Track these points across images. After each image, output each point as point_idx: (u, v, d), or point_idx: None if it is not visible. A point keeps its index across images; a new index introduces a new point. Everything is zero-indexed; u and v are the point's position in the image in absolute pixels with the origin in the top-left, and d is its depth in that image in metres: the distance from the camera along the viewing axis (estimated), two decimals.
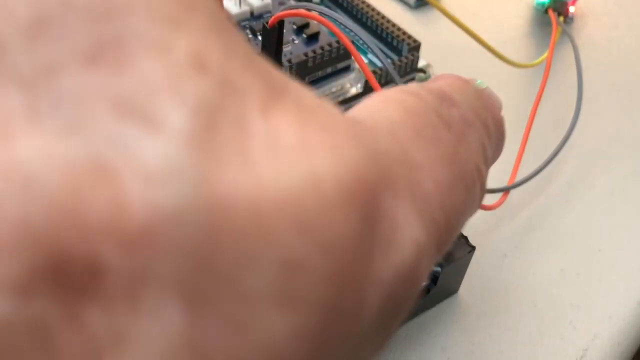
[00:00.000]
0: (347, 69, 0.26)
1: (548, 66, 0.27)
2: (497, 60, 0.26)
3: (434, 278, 0.21)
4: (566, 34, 0.31)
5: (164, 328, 0.07)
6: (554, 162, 0.26)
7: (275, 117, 0.08)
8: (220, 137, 0.07)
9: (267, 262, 0.07)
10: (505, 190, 0.23)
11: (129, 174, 0.06)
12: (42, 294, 0.06)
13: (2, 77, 0.07)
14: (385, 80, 0.26)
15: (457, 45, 0.32)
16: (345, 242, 0.08)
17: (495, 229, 0.25)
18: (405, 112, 0.10)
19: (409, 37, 0.28)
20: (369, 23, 0.29)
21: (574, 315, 0.22)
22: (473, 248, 0.21)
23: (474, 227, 0.20)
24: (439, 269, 0.20)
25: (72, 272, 0.06)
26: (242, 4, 0.27)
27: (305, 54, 0.25)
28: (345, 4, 0.30)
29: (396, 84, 0.18)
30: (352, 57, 0.24)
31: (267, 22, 0.22)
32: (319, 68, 0.25)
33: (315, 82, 0.26)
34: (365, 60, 0.28)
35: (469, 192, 0.11)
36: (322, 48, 0.25)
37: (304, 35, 0.26)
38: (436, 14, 0.33)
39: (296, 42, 0.26)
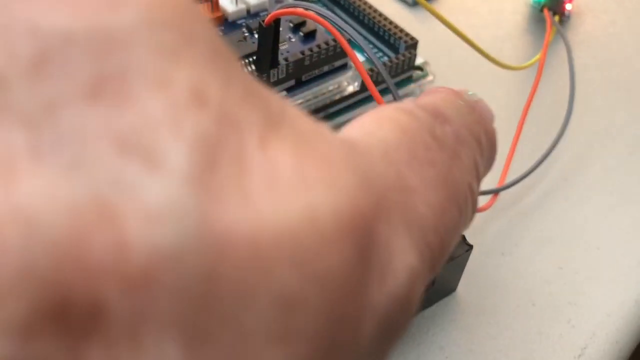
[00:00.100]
0: (344, 67, 0.26)
1: (540, 68, 0.27)
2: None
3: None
4: (560, 35, 0.31)
5: None
6: (550, 160, 0.26)
7: (272, 149, 0.08)
8: (220, 173, 0.07)
9: (264, 299, 0.07)
10: (495, 192, 0.23)
11: (130, 214, 0.07)
12: (44, 335, 0.06)
13: (5, 114, 0.07)
14: (382, 79, 0.26)
15: (455, 43, 0.32)
16: (342, 275, 0.08)
17: (492, 227, 0.25)
18: (400, 133, 0.10)
19: (406, 34, 0.28)
20: (366, 21, 0.29)
21: (572, 313, 0.22)
22: (471, 247, 0.21)
23: (472, 225, 0.20)
24: None
25: (74, 313, 0.06)
26: (238, 2, 0.27)
27: (302, 52, 0.25)
28: (342, 2, 0.30)
29: (387, 84, 0.17)
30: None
31: (263, 21, 0.22)
32: (316, 66, 0.25)
33: (312, 81, 0.26)
34: (362, 58, 0.28)
35: (461, 211, 0.11)
36: (318, 46, 0.25)
37: (301, 34, 0.26)
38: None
39: (293, 40, 0.26)
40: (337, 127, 0.27)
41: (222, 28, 0.27)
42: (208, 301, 0.07)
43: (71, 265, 0.06)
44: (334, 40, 0.25)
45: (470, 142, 0.11)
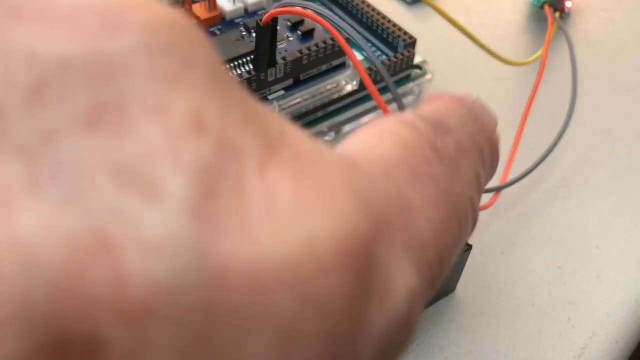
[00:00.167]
0: (342, 66, 0.26)
1: (543, 64, 0.27)
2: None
3: None
4: (562, 31, 0.31)
5: None
6: (550, 159, 0.26)
7: (272, 175, 0.08)
8: (219, 203, 0.07)
9: (264, 330, 0.07)
10: (497, 191, 0.23)
11: (129, 247, 0.06)
12: None
13: (2, 145, 0.07)
14: (381, 78, 0.26)
15: (454, 41, 0.31)
16: (341, 303, 0.08)
17: (491, 226, 0.25)
18: (400, 148, 0.10)
19: (405, 33, 0.28)
20: (364, 19, 0.29)
21: (572, 313, 0.22)
22: (470, 246, 0.21)
23: None
24: None
25: (73, 348, 0.06)
26: (236, 1, 0.27)
27: (300, 52, 0.25)
28: (341, 0, 0.30)
29: (387, 83, 0.17)
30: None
31: (261, 20, 0.22)
32: (314, 65, 0.25)
33: (310, 80, 0.25)
34: (361, 57, 0.28)
35: (462, 226, 0.11)
36: (317, 45, 0.25)
37: (299, 33, 0.26)
38: (432, 10, 0.33)
39: (291, 39, 0.26)
40: (336, 126, 0.27)
41: (220, 27, 0.27)
42: (207, 333, 0.07)
43: (70, 299, 0.06)
44: (333, 39, 0.25)
45: (472, 153, 0.11)
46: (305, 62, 0.25)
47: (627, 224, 0.25)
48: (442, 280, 0.10)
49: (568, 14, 0.35)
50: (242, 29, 0.26)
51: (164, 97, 0.07)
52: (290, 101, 0.25)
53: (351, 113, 0.27)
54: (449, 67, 0.31)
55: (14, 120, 0.07)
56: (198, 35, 0.08)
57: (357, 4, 0.29)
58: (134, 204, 0.07)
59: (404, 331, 0.09)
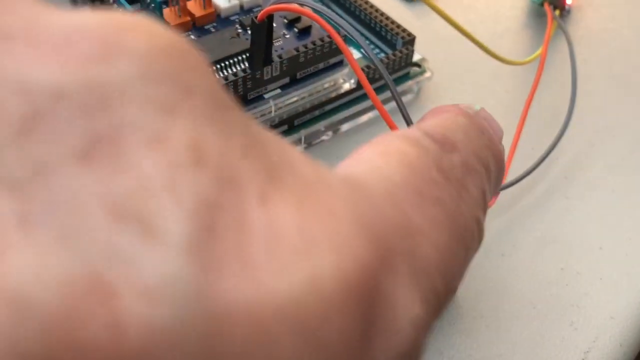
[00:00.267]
0: (339, 64, 0.26)
1: (542, 62, 0.27)
2: None
3: None
4: (561, 29, 0.30)
5: None
6: (551, 158, 0.26)
7: (273, 207, 0.07)
8: (220, 241, 0.07)
9: None
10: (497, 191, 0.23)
11: (126, 291, 0.06)
12: None
13: None
14: (379, 76, 0.26)
15: (453, 39, 0.31)
16: (346, 343, 0.08)
17: (492, 227, 0.24)
18: (406, 170, 0.10)
19: (404, 30, 0.27)
20: (362, 16, 0.29)
21: (574, 316, 0.22)
22: None
23: None
24: None
25: None
26: None
27: (297, 49, 0.24)
28: None
29: (386, 80, 0.17)
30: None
31: (256, 17, 0.22)
32: (311, 63, 0.25)
33: (307, 78, 0.25)
34: (359, 55, 0.27)
35: (468, 249, 0.11)
36: (314, 43, 0.24)
37: (296, 30, 0.26)
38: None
39: (287, 36, 0.25)
40: (333, 125, 0.26)
41: (215, 24, 0.26)
42: None
43: (64, 347, 0.06)
44: (330, 36, 0.24)
45: (478, 170, 0.11)
46: (301, 59, 0.24)
47: (631, 223, 0.25)
48: (448, 306, 0.10)
49: (568, 11, 0.34)
50: (237, 26, 0.26)
51: (162, 128, 0.07)
52: (287, 100, 0.24)
53: (349, 112, 0.26)
54: (448, 64, 0.30)
55: (5, 153, 0.06)
56: (196, 59, 0.08)
57: (355, 1, 0.29)
58: (131, 243, 0.06)
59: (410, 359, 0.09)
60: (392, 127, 0.18)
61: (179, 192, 0.07)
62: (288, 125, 0.25)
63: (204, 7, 0.26)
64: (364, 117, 0.27)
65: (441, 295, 0.10)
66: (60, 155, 0.06)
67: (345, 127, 0.27)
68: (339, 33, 0.20)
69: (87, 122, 0.07)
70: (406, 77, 0.28)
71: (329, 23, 0.20)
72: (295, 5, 0.20)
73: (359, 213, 0.08)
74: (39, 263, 0.06)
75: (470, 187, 0.11)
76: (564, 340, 0.21)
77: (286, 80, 0.25)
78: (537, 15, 0.34)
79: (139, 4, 0.26)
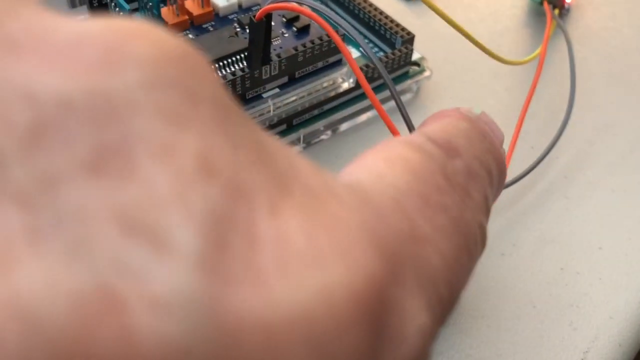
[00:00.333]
0: (338, 63, 0.26)
1: (541, 61, 0.27)
2: None
3: None
4: (561, 28, 0.30)
5: None
6: (550, 157, 0.26)
7: (283, 219, 0.07)
8: (230, 253, 0.07)
9: None
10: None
11: (136, 304, 0.06)
12: None
13: (0, 193, 0.06)
14: (378, 75, 0.26)
15: (452, 37, 0.31)
16: (356, 351, 0.08)
17: (491, 227, 0.24)
18: (411, 177, 0.10)
19: (403, 29, 0.27)
20: (361, 15, 0.28)
21: (574, 315, 0.22)
22: None
23: None
24: None
25: None
26: None
27: (295, 48, 0.24)
28: None
29: (385, 80, 0.17)
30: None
31: (254, 16, 0.22)
32: (310, 62, 0.25)
33: (305, 77, 0.25)
34: (358, 53, 0.27)
35: (472, 256, 0.11)
36: (312, 42, 0.24)
37: (294, 29, 0.25)
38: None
39: (286, 35, 0.25)
40: (332, 124, 0.26)
41: (213, 23, 0.26)
42: None
43: None
44: (328, 35, 0.24)
45: (481, 175, 0.11)
46: (300, 58, 0.24)
47: (630, 223, 0.25)
48: (452, 313, 0.10)
49: (568, 10, 0.34)
50: (235, 25, 0.26)
51: (171, 138, 0.07)
52: (285, 99, 0.24)
53: (348, 111, 0.26)
54: (448, 63, 0.30)
55: (12, 165, 0.06)
56: (203, 66, 0.08)
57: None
58: (142, 256, 0.06)
59: None
60: (391, 126, 0.18)
61: (189, 204, 0.07)
62: (287, 124, 0.25)
63: (202, 6, 0.26)
64: (363, 117, 0.27)
65: (446, 303, 0.10)
66: (69, 167, 0.06)
67: (344, 126, 0.27)
68: (337, 32, 0.20)
69: (94, 132, 0.07)
70: (405, 76, 0.28)
71: (328, 22, 0.20)
72: (293, 4, 0.20)
73: (367, 223, 0.08)
74: (49, 277, 0.06)
75: (473, 192, 0.11)
76: (564, 340, 0.21)
77: (285, 79, 0.24)
78: (536, 14, 0.34)
79: (136, 3, 0.26)
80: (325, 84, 0.25)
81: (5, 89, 0.06)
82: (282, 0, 0.20)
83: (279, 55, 0.24)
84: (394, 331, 0.08)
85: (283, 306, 0.07)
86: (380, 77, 0.26)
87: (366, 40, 0.28)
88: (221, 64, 0.24)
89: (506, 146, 0.25)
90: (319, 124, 0.26)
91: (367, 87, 0.18)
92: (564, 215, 0.25)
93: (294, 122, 0.25)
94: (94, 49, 0.07)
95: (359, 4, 0.28)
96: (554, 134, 0.26)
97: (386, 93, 0.27)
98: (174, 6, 0.25)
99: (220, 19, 0.26)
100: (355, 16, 0.29)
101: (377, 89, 0.26)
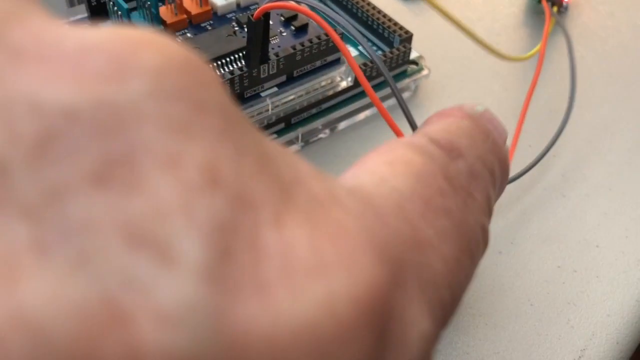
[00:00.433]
0: (337, 61, 0.26)
1: (541, 59, 0.27)
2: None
3: None
4: (559, 26, 0.30)
5: None
6: (549, 156, 0.26)
7: (288, 229, 0.07)
8: (235, 265, 0.07)
9: None
10: None
11: (143, 317, 0.06)
12: None
13: (6, 205, 0.06)
14: (377, 74, 0.26)
15: (450, 36, 0.31)
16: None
17: (490, 225, 0.24)
18: (413, 180, 0.10)
19: (401, 28, 0.27)
20: (359, 14, 0.29)
21: (571, 313, 0.22)
22: None
23: None
24: None
25: None
26: None
27: (294, 47, 0.24)
28: None
29: (385, 78, 0.17)
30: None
31: (252, 15, 0.22)
32: (308, 61, 0.25)
33: (304, 76, 0.25)
34: (357, 52, 0.27)
35: (474, 259, 0.11)
36: (310, 41, 0.24)
37: (292, 27, 0.25)
38: (428, 4, 0.33)
39: (284, 34, 0.25)
40: (331, 123, 0.26)
41: (211, 22, 0.26)
42: None
43: None
44: (327, 34, 0.24)
45: (483, 176, 0.11)
46: (298, 57, 0.24)
47: (627, 221, 0.25)
48: (454, 316, 0.10)
49: (566, 7, 0.34)
50: (233, 24, 0.26)
51: (177, 148, 0.07)
52: (284, 98, 0.24)
53: (346, 110, 0.26)
54: (446, 62, 0.30)
55: (18, 177, 0.06)
56: (209, 75, 0.08)
57: None
58: (147, 269, 0.06)
59: None
60: (392, 124, 0.18)
61: (194, 215, 0.07)
62: (285, 123, 0.25)
63: (201, 5, 0.26)
64: (361, 115, 0.27)
65: (448, 306, 0.10)
66: (75, 179, 0.06)
67: (342, 125, 0.27)
68: (336, 31, 0.20)
69: (101, 143, 0.07)
70: (403, 74, 0.28)
71: (326, 21, 0.20)
72: (291, 3, 0.20)
73: (370, 229, 0.08)
74: (54, 290, 0.06)
75: (475, 193, 0.11)
76: (561, 338, 0.21)
77: (283, 78, 0.25)
78: (535, 12, 0.34)
79: (134, 1, 0.26)
80: (323, 83, 0.25)
81: (11, 99, 0.06)
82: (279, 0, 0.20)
83: (277, 54, 0.24)
84: (396, 338, 0.08)
85: (287, 318, 0.07)
86: (378, 75, 0.26)
87: (364, 39, 0.28)
88: (219, 62, 0.24)
89: (507, 145, 0.25)
90: (318, 123, 0.26)
91: (367, 85, 0.18)
92: (561, 213, 0.25)
93: (293, 121, 0.25)
94: (100, 59, 0.07)
95: (357, 2, 0.29)
96: (552, 133, 0.26)
97: (385, 91, 0.27)
98: (173, 5, 0.25)
99: (218, 17, 0.26)
100: (354, 15, 0.29)
101: (374, 88, 0.26)
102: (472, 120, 0.12)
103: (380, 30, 0.28)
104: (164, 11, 0.25)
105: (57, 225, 0.06)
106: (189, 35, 0.25)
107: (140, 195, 0.06)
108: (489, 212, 0.11)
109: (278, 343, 0.07)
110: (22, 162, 0.06)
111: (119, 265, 0.06)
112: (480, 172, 0.11)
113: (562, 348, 0.21)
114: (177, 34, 0.25)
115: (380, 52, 0.27)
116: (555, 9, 0.32)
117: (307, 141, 0.26)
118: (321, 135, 0.26)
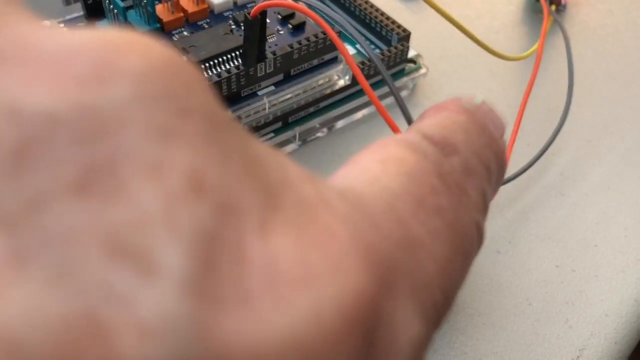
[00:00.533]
0: (334, 60, 0.26)
1: (538, 58, 0.27)
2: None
3: None
4: (558, 24, 0.30)
5: None
6: (547, 155, 0.26)
7: (274, 236, 0.07)
8: (219, 276, 0.07)
9: None
10: None
11: (123, 330, 0.06)
12: None
13: None
14: (374, 72, 0.26)
15: (448, 34, 0.31)
16: None
17: (488, 224, 0.24)
18: (406, 178, 0.10)
19: (399, 26, 0.27)
20: (357, 12, 0.28)
21: (569, 313, 0.22)
22: None
23: None
24: None
25: None
26: None
27: (291, 45, 0.24)
28: None
29: (383, 76, 0.17)
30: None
31: (249, 13, 0.22)
32: (305, 60, 0.25)
33: (301, 75, 0.25)
34: (354, 51, 0.27)
35: (468, 258, 0.10)
36: (308, 39, 0.24)
37: (289, 26, 0.25)
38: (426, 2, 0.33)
39: (281, 32, 0.25)
40: (328, 122, 0.26)
41: (208, 20, 0.26)
42: None
43: None
44: (324, 32, 0.24)
45: (479, 172, 0.11)
46: (295, 56, 0.24)
47: (626, 221, 0.25)
48: (447, 316, 0.10)
49: (564, 6, 0.34)
50: (230, 22, 0.26)
51: (159, 155, 0.07)
52: (281, 97, 0.24)
53: (344, 108, 0.26)
54: (444, 60, 0.30)
55: None
56: (194, 78, 0.08)
57: None
58: (128, 280, 0.06)
59: None
60: (390, 122, 0.18)
61: (177, 225, 0.06)
62: (282, 122, 0.25)
63: (197, 3, 0.26)
64: (359, 114, 0.27)
65: (441, 307, 0.09)
66: (55, 187, 0.06)
67: (339, 123, 0.27)
68: (333, 29, 0.19)
69: (82, 150, 0.06)
70: (401, 73, 0.27)
71: (324, 19, 0.19)
72: (289, 1, 0.20)
73: (360, 233, 0.08)
74: (32, 303, 0.06)
75: (470, 190, 0.10)
76: (559, 338, 0.21)
77: (280, 76, 0.24)
78: (533, 10, 0.34)
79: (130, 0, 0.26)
80: (320, 82, 0.25)
81: None
82: None
83: (274, 53, 0.24)
84: (385, 343, 0.08)
85: (273, 330, 0.07)
86: (376, 74, 0.26)
87: (362, 37, 0.28)
88: (216, 61, 0.24)
89: (506, 139, 0.25)
90: (315, 122, 0.26)
91: (364, 83, 0.18)
92: (560, 212, 0.25)
93: (290, 120, 0.25)
94: (82, 63, 0.07)
95: (355, 1, 0.28)
96: (549, 132, 0.26)
97: (383, 90, 0.26)
98: (169, 3, 0.25)
99: (215, 16, 0.26)
100: (351, 13, 0.29)
101: (373, 86, 0.26)
102: (468, 114, 0.12)
103: (378, 29, 0.28)
104: (160, 9, 0.25)
105: (37, 235, 0.06)
106: (185, 33, 0.25)
107: (121, 204, 0.06)
108: (484, 209, 0.11)
109: (262, 356, 0.07)
110: (2, 169, 0.06)
111: (99, 277, 0.06)
112: (475, 168, 0.11)
113: (561, 348, 0.21)
114: (174, 32, 0.25)
115: (378, 51, 0.27)
116: (553, 7, 0.32)
117: (304, 140, 0.26)
118: (319, 134, 0.26)
